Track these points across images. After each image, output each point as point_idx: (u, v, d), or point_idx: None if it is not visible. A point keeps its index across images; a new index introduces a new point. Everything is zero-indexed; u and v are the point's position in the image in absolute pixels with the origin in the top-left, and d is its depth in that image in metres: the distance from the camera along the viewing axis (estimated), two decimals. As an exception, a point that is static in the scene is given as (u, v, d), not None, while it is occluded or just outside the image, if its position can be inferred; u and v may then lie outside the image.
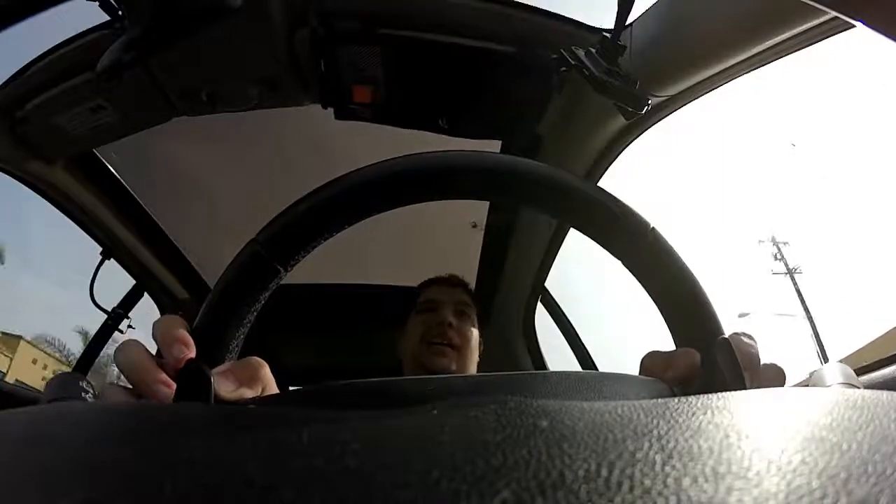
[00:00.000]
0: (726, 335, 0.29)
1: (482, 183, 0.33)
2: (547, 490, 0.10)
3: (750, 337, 0.30)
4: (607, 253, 0.35)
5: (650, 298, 0.33)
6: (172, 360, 0.26)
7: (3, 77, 0.79)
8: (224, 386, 0.26)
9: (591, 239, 0.34)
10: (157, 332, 0.27)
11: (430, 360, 0.88)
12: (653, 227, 0.33)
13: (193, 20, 0.44)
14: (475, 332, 0.95)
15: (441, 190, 0.33)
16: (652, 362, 0.31)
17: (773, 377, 0.29)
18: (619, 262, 0.34)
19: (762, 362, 0.29)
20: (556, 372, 0.25)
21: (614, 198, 0.34)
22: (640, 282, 0.33)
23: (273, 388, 0.29)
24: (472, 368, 0.92)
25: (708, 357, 0.27)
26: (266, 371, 0.28)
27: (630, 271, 0.34)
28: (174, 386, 0.25)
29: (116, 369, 0.28)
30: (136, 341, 0.28)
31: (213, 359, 0.28)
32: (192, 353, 0.26)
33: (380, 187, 0.31)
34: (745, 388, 0.25)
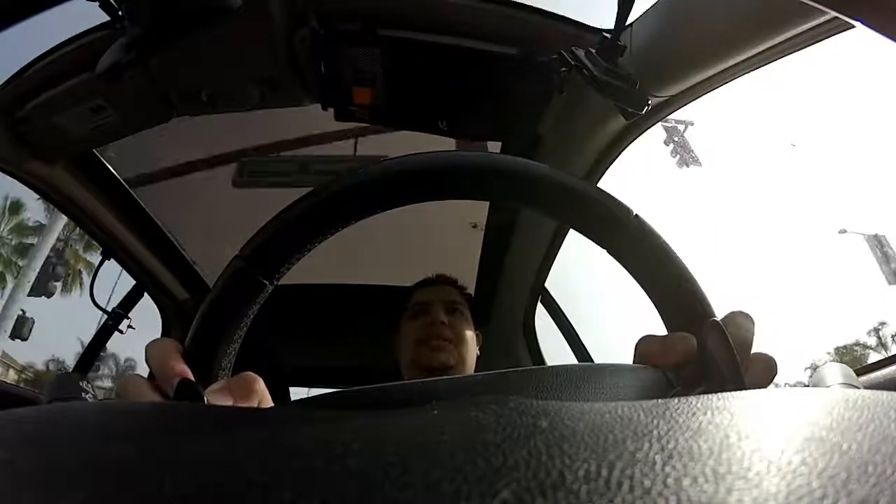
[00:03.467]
0: (717, 317, 0.29)
1: (459, 182, 0.33)
2: (547, 490, 0.10)
3: (746, 317, 0.29)
4: (607, 254, 0.35)
5: (639, 286, 0.33)
6: (169, 390, 0.26)
7: (3, 77, 0.79)
8: (220, 403, 0.26)
9: (576, 230, 0.34)
10: (151, 359, 0.27)
11: (428, 357, 0.87)
12: (636, 214, 0.32)
13: (193, 20, 0.44)
14: (470, 328, 0.94)
15: (419, 194, 0.32)
16: (647, 347, 0.30)
17: (763, 365, 0.28)
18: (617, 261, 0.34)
19: (754, 351, 0.28)
20: (544, 367, 0.25)
21: (594, 187, 0.34)
22: (626, 269, 0.33)
23: (268, 402, 0.29)
24: (471, 365, 0.91)
25: (699, 340, 0.27)
26: (261, 385, 0.28)
27: (616, 259, 0.33)
28: None
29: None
30: (139, 377, 0.28)
31: (206, 377, 0.28)
32: (189, 376, 0.26)
33: (359, 193, 0.31)
34: (737, 372, 0.24)
